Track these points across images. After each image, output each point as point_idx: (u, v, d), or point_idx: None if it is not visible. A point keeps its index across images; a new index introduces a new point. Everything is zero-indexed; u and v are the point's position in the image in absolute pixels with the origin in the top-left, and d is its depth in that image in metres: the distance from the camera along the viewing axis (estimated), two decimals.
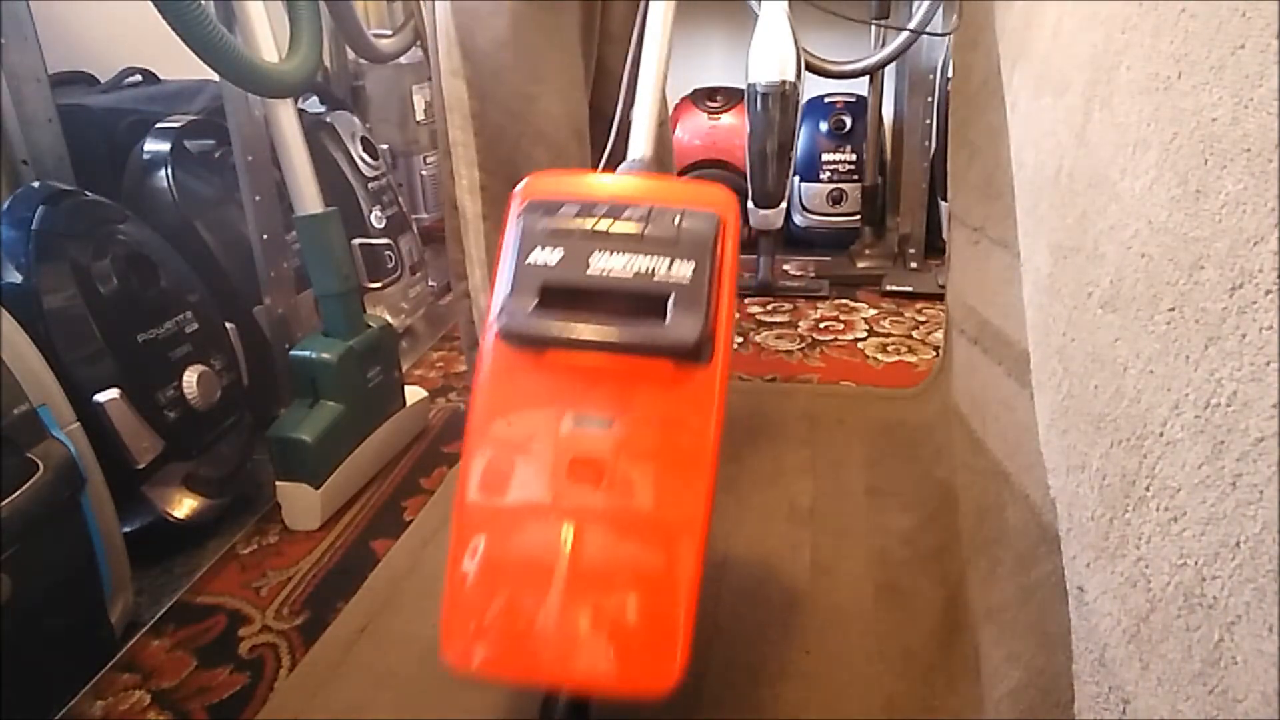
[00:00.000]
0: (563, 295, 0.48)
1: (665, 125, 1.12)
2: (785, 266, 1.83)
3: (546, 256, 0.48)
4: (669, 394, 0.48)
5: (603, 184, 0.54)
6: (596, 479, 0.47)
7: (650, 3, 0.63)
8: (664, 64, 0.63)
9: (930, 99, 1.68)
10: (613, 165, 0.59)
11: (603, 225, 0.49)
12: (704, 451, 0.48)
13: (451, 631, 0.47)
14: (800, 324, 1.53)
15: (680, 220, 0.49)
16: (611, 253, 0.48)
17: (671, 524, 0.47)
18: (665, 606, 0.46)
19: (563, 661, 0.46)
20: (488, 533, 0.49)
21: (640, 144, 0.60)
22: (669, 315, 0.46)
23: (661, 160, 1.02)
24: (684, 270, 0.47)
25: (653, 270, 0.47)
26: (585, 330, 0.47)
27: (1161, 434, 0.35)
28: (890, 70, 1.75)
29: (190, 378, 0.94)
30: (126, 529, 0.85)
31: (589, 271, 0.48)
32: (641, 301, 0.47)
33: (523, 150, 0.84)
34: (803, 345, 1.44)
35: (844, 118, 1.83)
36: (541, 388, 0.49)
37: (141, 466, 0.88)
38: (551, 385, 0.49)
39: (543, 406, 0.49)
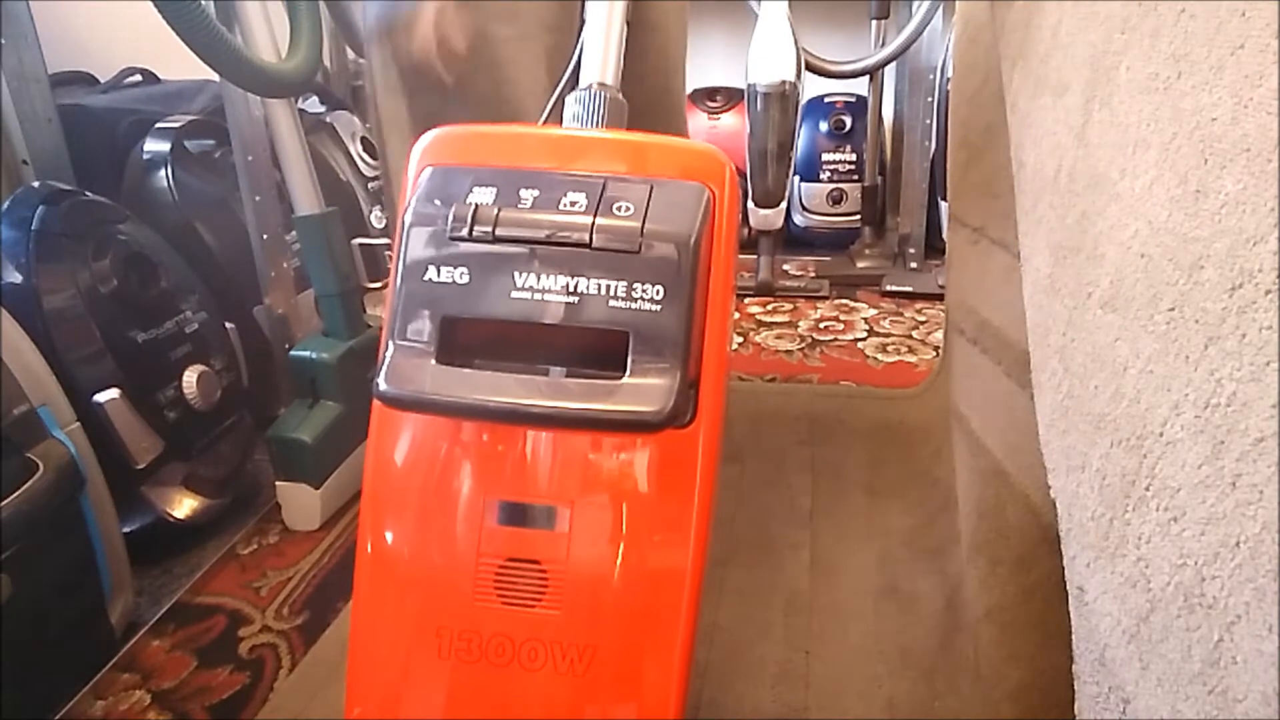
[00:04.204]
0: (474, 333, 0.34)
1: (681, 110, 1.01)
2: (785, 266, 1.83)
3: (452, 272, 0.34)
4: (635, 466, 0.35)
5: (540, 142, 0.38)
6: (535, 595, 0.35)
7: None
8: None
9: (930, 99, 1.68)
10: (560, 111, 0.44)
11: (535, 219, 0.34)
12: (683, 545, 0.35)
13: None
14: (800, 324, 1.53)
15: (650, 203, 0.34)
16: (543, 267, 0.33)
17: (641, 658, 0.34)
18: None
19: None
20: (390, 684, 0.36)
21: (596, 66, 0.44)
22: (630, 365, 0.33)
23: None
24: (652, 291, 0.33)
25: (606, 292, 0.33)
26: (508, 395, 0.33)
27: (1161, 434, 0.35)
28: (890, 70, 1.75)
29: (190, 378, 0.94)
30: (126, 529, 0.85)
31: (512, 297, 0.33)
32: (592, 342, 0.33)
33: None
34: (803, 345, 1.44)
35: (844, 118, 1.83)
36: (451, 466, 0.36)
37: (141, 466, 0.88)
38: (465, 463, 0.36)
39: (454, 494, 0.36)
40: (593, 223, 0.33)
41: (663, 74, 0.87)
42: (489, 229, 0.34)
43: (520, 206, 0.34)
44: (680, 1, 0.90)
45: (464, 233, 0.34)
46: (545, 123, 0.49)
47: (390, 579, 0.38)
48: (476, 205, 0.34)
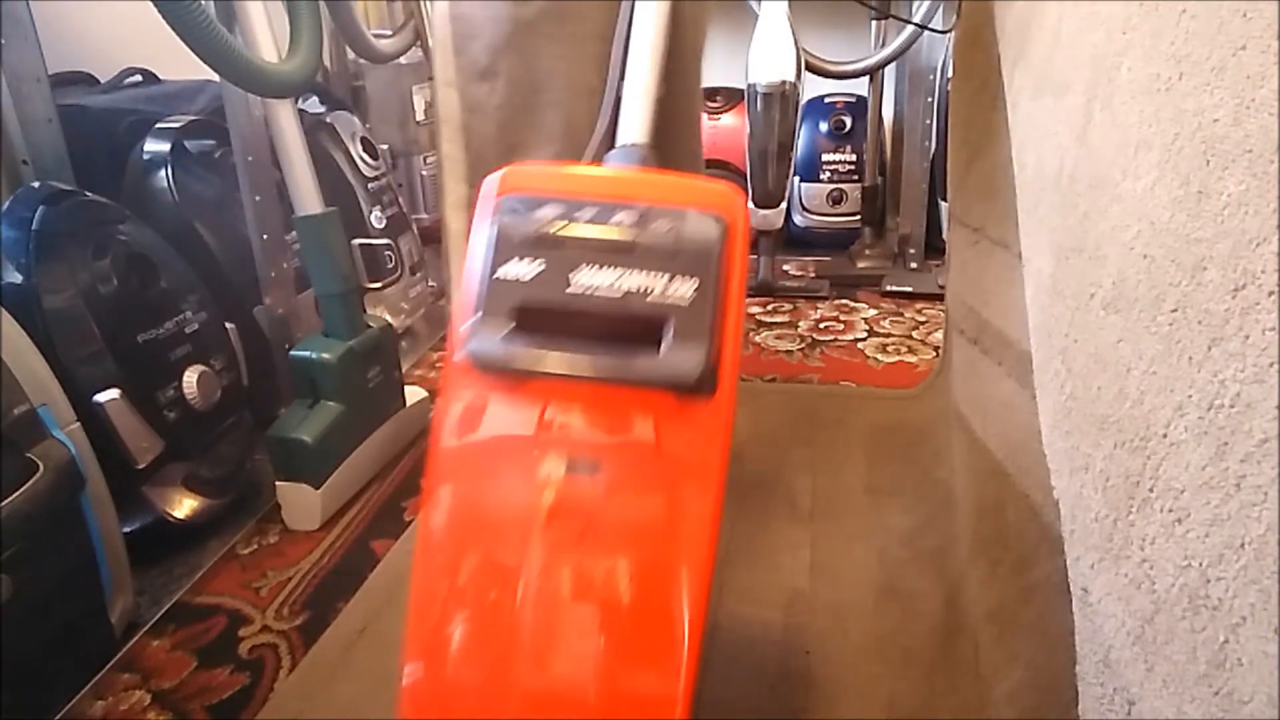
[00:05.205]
0: (541, 316, 0.42)
1: (694, 126, 1.05)
2: (785, 266, 1.83)
3: (523, 270, 0.42)
4: (665, 432, 0.42)
5: (590, 178, 0.48)
6: (580, 533, 0.41)
7: None
8: (663, 33, 0.56)
9: (930, 99, 1.68)
10: (600, 156, 0.53)
11: (590, 232, 0.43)
12: (706, 498, 0.42)
13: (413, 701, 0.42)
14: (800, 324, 1.53)
15: (680, 226, 0.43)
16: (599, 267, 0.42)
17: (666, 585, 0.41)
18: (659, 679, 0.40)
19: None
20: (453, 600, 0.42)
21: (633, 127, 0.53)
22: (666, 344, 0.41)
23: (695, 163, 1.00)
24: (684, 289, 0.41)
25: (647, 289, 0.41)
26: (568, 360, 0.41)
27: (1165, 435, 0.35)
28: (890, 70, 1.75)
29: (190, 378, 0.94)
30: (126, 529, 0.85)
31: (571, 289, 0.42)
32: (635, 326, 0.41)
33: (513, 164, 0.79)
34: (803, 345, 1.44)
35: (844, 118, 1.83)
36: (515, 424, 0.43)
37: (141, 466, 0.88)
38: (527, 421, 0.43)
39: (516, 447, 0.42)
40: (638, 234, 0.42)
41: (682, 102, 0.89)
42: (555, 235, 0.43)
43: (579, 220, 0.43)
44: (699, 38, 0.94)
45: (537, 237, 0.43)
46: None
47: (453, 522, 0.44)
48: (545, 218, 0.43)
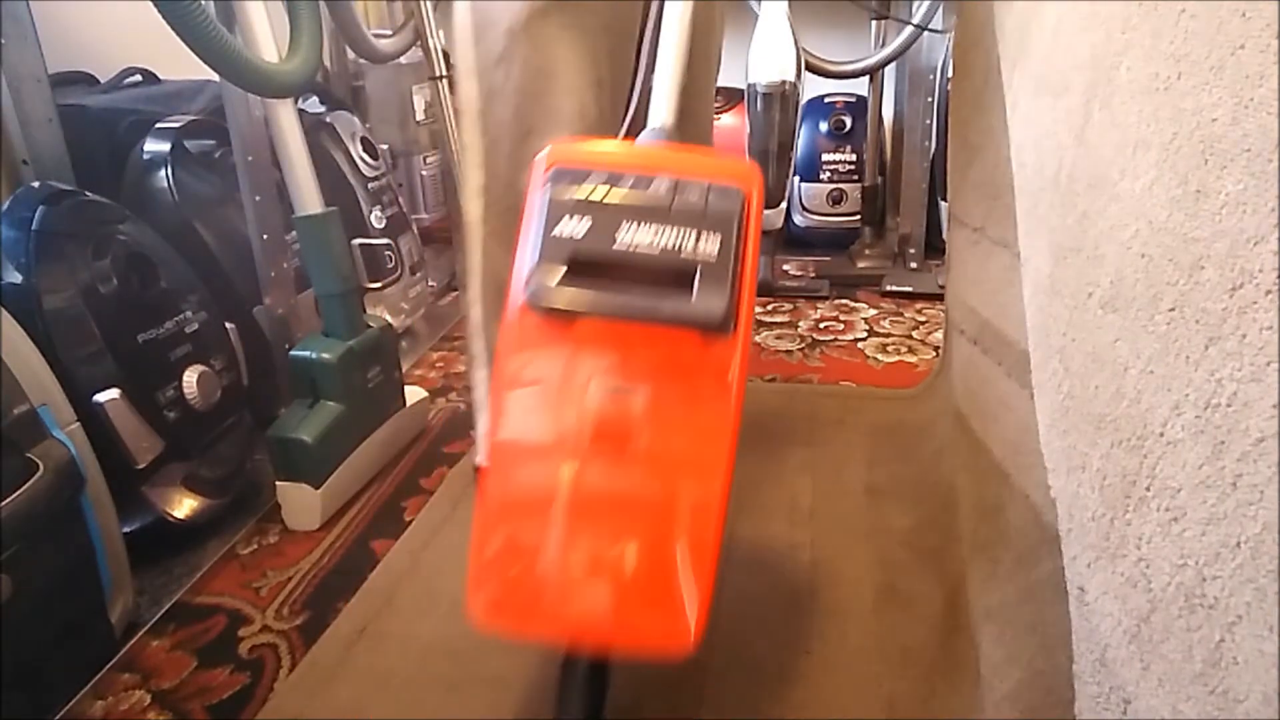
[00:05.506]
0: (590, 266, 0.48)
1: (706, 129, 1.09)
2: (785, 266, 1.83)
3: (574, 227, 0.49)
4: (692, 364, 0.49)
5: (628, 153, 0.55)
6: (621, 441, 0.48)
7: None
8: (687, 25, 0.61)
9: (930, 99, 1.68)
10: (633, 134, 0.59)
11: (630, 197, 0.50)
12: (726, 416, 0.49)
13: (476, 590, 0.49)
14: (800, 324, 1.53)
15: (707, 194, 0.50)
16: (639, 225, 0.49)
17: (693, 486, 0.49)
18: (684, 568, 0.47)
19: (582, 619, 0.48)
20: (512, 495, 0.50)
21: (661, 111, 0.59)
22: (695, 290, 0.47)
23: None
24: (710, 246, 0.48)
25: (679, 245, 0.48)
26: (614, 302, 0.48)
27: (1162, 434, 0.35)
28: (890, 70, 1.75)
29: (190, 378, 0.94)
30: (126, 529, 0.85)
31: (616, 244, 0.48)
32: (668, 275, 0.48)
33: (528, 148, 0.81)
34: (803, 345, 1.44)
35: (844, 118, 1.83)
36: (567, 356, 0.50)
37: (141, 466, 0.88)
38: (577, 354, 0.50)
39: (569, 374, 0.50)
40: (672, 197, 0.49)
41: (693, 103, 0.92)
42: (602, 198, 0.49)
43: (622, 187, 0.50)
44: (710, 44, 0.98)
45: (585, 200, 0.49)
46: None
47: (512, 446, 0.51)
48: (592, 184, 0.50)
